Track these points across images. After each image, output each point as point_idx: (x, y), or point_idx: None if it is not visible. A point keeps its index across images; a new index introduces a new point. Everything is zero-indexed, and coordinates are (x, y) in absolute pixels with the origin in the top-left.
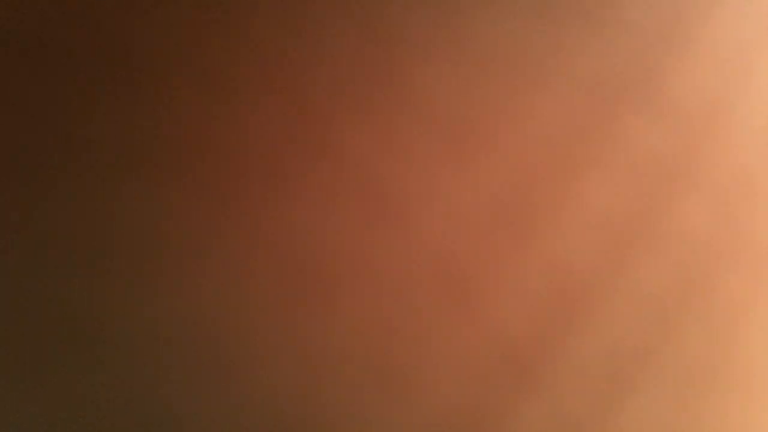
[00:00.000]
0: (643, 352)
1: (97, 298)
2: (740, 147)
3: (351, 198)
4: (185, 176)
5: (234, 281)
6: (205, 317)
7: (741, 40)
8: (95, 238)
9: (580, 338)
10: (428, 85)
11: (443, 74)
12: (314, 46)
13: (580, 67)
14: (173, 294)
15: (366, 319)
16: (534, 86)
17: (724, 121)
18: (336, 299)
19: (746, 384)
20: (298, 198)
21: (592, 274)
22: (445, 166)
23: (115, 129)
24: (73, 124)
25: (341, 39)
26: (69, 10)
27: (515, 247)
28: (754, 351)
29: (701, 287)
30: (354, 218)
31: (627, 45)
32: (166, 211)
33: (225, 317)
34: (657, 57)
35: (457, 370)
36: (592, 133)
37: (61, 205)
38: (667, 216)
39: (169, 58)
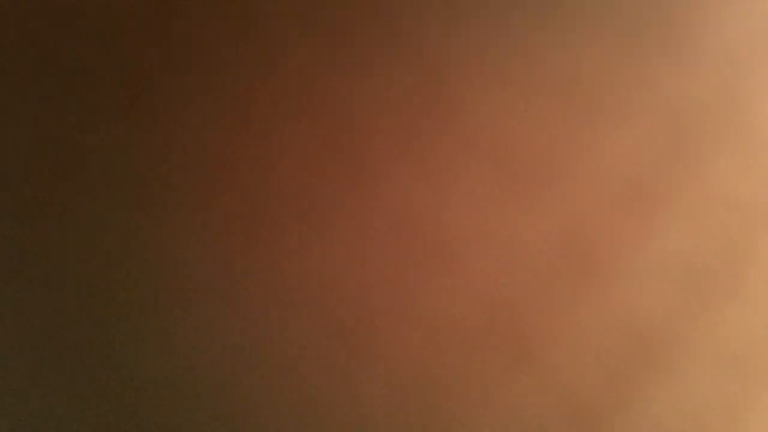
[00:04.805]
0: (730, 412)
1: (125, 335)
2: None
3: (390, 235)
4: (209, 210)
5: (261, 321)
6: (229, 361)
7: None
8: (116, 270)
9: (656, 398)
10: (477, 111)
11: (494, 100)
12: (349, 67)
13: (657, 95)
14: (197, 330)
15: (408, 373)
16: (602, 115)
17: None
18: (374, 346)
19: None
20: (330, 233)
21: (668, 325)
22: (500, 202)
23: (131, 157)
24: (89, 151)
25: (378, 60)
26: (86, 32)
27: (581, 295)
28: None
29: None
30: (393, 259)
31: (712, 74)
32: (191, 245)
33: (250, 360)
34: (746, 88)
35: None
36: (669, 168)
37: (79, 234)
38: (752, 260)
39: (190, 81)
